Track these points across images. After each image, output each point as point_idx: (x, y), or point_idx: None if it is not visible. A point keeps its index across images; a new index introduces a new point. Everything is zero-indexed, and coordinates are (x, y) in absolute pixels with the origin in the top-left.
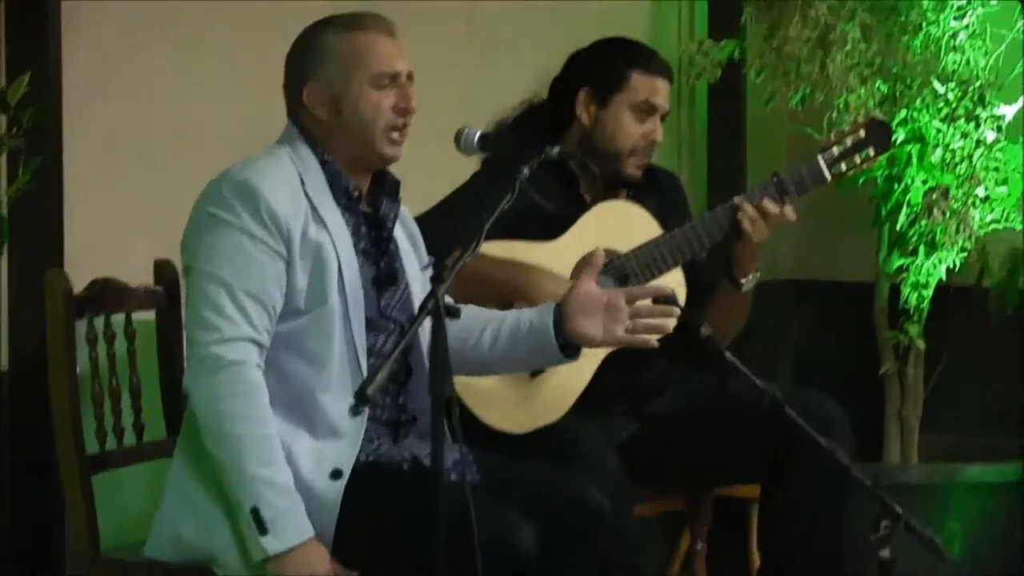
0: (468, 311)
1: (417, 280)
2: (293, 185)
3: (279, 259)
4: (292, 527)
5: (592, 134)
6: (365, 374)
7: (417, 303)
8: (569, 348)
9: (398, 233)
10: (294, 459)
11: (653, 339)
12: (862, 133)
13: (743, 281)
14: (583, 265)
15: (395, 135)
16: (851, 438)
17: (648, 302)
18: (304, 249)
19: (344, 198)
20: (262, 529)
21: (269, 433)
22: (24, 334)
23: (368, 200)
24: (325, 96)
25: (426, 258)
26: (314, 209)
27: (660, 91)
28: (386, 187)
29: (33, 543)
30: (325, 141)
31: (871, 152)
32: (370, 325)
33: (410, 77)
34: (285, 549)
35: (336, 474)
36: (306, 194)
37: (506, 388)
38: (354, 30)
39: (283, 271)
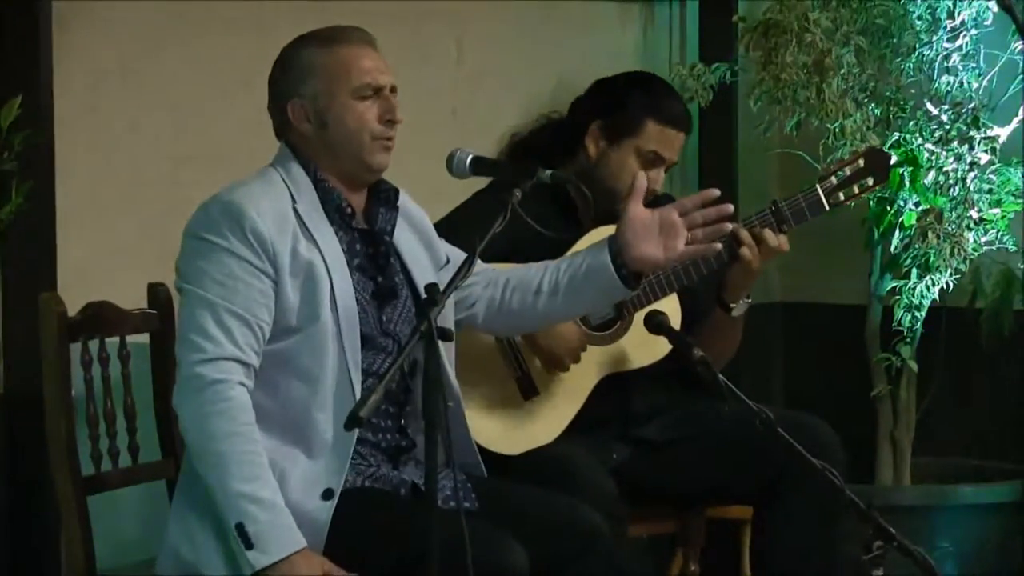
0: (519, 270)
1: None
2: (281, 204)
3: (266, 278)
4: (277, 540)
5: (595, 167)
6: (357, 393)
7: None
8: (631, 280)
9: (406, 237)
10: (287, 481)
11: (717, 245)
12: (861, 163)
13: (733, 306)
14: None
15: (384, 142)
16: (844, 460)
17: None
18: (295, 267)
19: (337, 215)
20: (248, 544)
21: (252, 449)
22: (19, 357)
23: (364, 216)
24: (310, 111)
25: (442, 257)
26: (305, 227)
27: (672, 144)
28: (382, 197)
29: (29, 565)
30: (316, 158)
31: (870, 182)
32: (369, 342)
33: (393, 90)
34: (271, 563)
35: (327, 494)
36: (297, 212)
37: (500, 410)
38: (335, 44)
39: (271, 291)
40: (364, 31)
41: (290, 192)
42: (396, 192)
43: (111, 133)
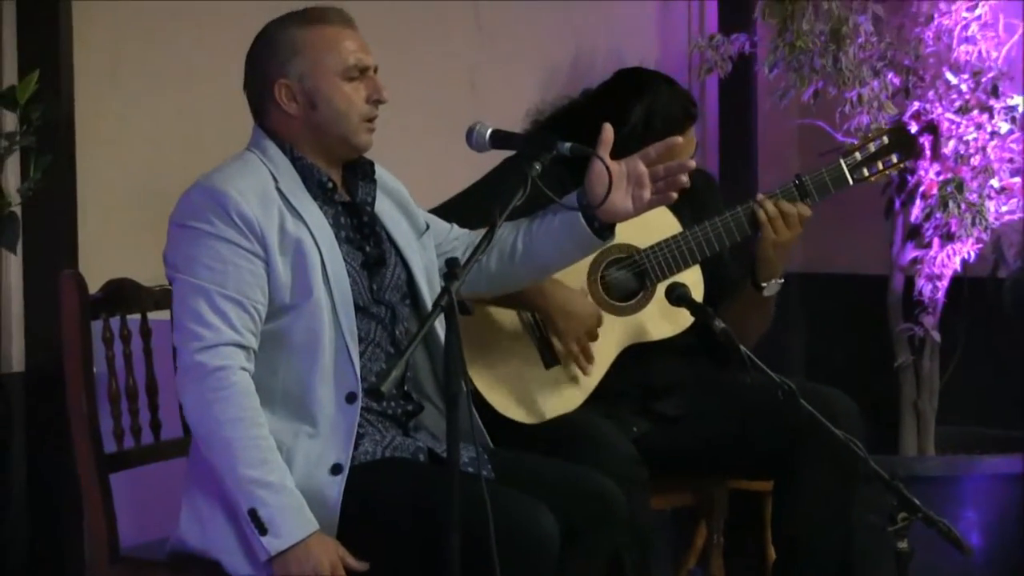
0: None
1: (415, 252)
2: (264, 185)
3: (256, 259)
4: (290, 524)
5: None
6: (356, 363)
7: (418, 272)
8: (604, 231)
9: (384, 207)
10: (294, 459)
11: (673, 194)
12: (885, 139)
13: (764, 285)
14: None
15: (369, 124)
16: (863, 432)
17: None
18: (283, 246)
19: (319, 191)
20: (261, 529)
21: (259, 434)
22: (40, 335)
23: (344, 188)
24: (297, 91)
25: (422, 223)
26: (289, 205)
27: (678, 153)
28: (360, 171)
29: (52, 543)
30: (295, 137)
31: (894, 159)
32: (363, 312)
33: (375, 70)
34: (286, 547)
35: (336, 469)
36: (280, 191)
37: (521, 379)
38: (319, 24)
39: (262, 271)
40: (344, 12)
41: (271, 172)
42: (372, 165)
43: (131, 109)
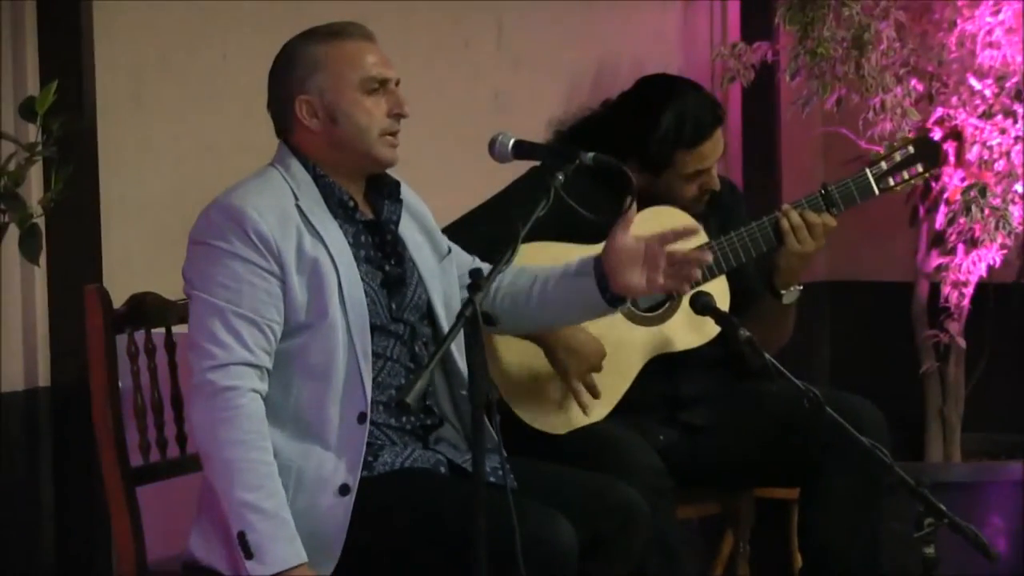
0: (513, 274)
1: (434, 276)
2: (283, 202)
3: (272, 278)
4: (276, 553)
5: (648, 191)
6: (368, 384)
7: (435, 296)
8: (616, 300)
9: (407, 230)
10: (303, 480)
11: (686, 285)
12: (911, 149)
13: (784, 293)
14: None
15: (391, 139)
16: (888, 439)
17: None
18: (301, 265)
19: (340, 209)
20: (248, 553)
21: (259, 458)
22: (65, 349)
23: (368, 207)
24: (318, 107)
25: (444, 246)
26: (308, 224)
27: (710, 152)
28: (385, 190)
29: (80, 557)
30: (317, 154)
31: (920, 168)
32: (380, 331)
33: (397, 83)
34: (268, 574)
35: (343, 489)
36: (300, 210)
37: (548, 390)
38: (339, 39)
39: (278, 290)
40: (363, 26)
41: (292, 189)
42: (397, 185)
43: (153, 123)
